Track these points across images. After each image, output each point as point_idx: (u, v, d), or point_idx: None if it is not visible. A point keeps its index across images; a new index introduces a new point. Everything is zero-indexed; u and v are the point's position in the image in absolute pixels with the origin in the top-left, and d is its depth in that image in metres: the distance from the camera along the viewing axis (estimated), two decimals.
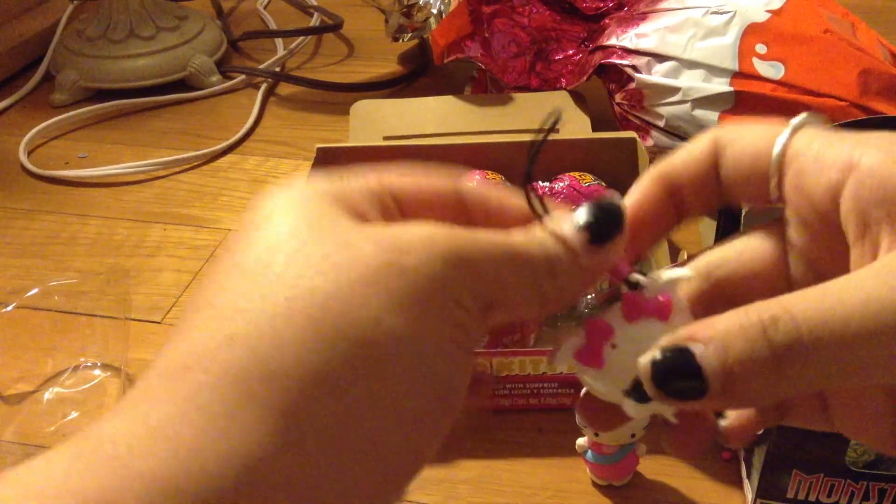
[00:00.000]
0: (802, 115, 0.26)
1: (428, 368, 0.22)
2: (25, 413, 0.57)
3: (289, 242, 0.22)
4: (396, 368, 0.21)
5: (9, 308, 0.61)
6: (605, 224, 0.24)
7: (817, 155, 0.25)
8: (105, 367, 0.60)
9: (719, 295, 0.27)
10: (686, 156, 0.27)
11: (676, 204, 0.27)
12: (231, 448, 0.19)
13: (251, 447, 0.20)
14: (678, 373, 0.22)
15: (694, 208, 0.27)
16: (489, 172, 0.61)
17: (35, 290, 0.62)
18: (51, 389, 0.59)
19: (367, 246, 0.22)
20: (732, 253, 0.28)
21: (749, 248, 0.28)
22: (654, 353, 0.22)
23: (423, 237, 0.22)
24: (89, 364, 0.61)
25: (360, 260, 0.21)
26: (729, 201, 0.27)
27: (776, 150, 0.25)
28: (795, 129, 0.26)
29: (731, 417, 0.28)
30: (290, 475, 0.20)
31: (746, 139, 0.26)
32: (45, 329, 0.62)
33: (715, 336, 0.22)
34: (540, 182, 0.60)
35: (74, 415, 0.57)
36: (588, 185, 0.60)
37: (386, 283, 0.21)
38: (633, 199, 0.27)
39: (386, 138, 0.71)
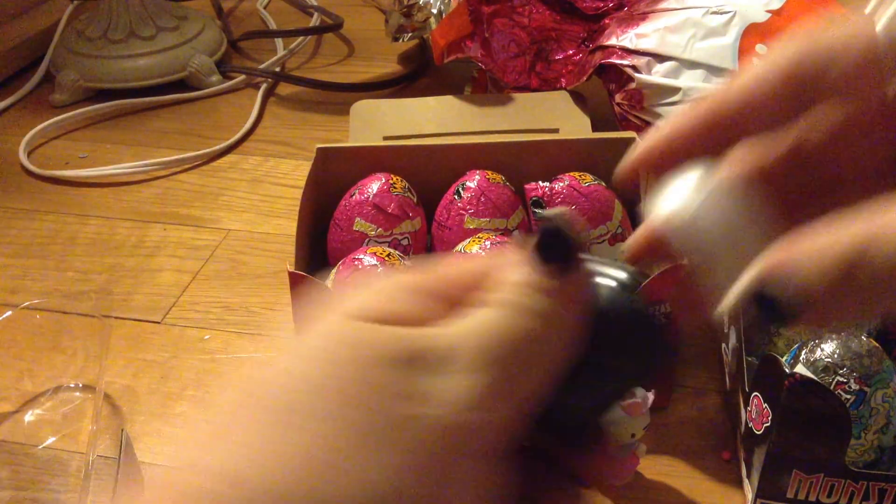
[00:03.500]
0: None
1: None
2: (7, 433, 0.57)
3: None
4: None
5: None
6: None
7: None
8: (86, 388, 0.60)
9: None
10: (753, 76, 0.23)
11: (728, 134, 0.24)
12: None
13: None
14: (771, 301, 0.21)
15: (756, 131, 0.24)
16: (489, 172, 0.61)
17: (8, 313, 0.62)
18: (31, 411, 0.58)
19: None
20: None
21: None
22: (746, 280, 0.21)
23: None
24: (71, 385, 0.60)
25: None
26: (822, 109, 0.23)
27: (882, 29, 0.22)
28: None
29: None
30: None
31: (832, 34, 0.22)
32: (26, 347, 0.61)
33: (805, 266, 0.21)
34: (540, 182, 0.60)
35: (52, 440, 0.57)
36: (588, 185, 0.60)
37: None
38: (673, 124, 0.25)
39: (386, 138, 0.70)
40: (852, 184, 0.24)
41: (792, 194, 0.24)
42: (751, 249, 0.22)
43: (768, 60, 0.23)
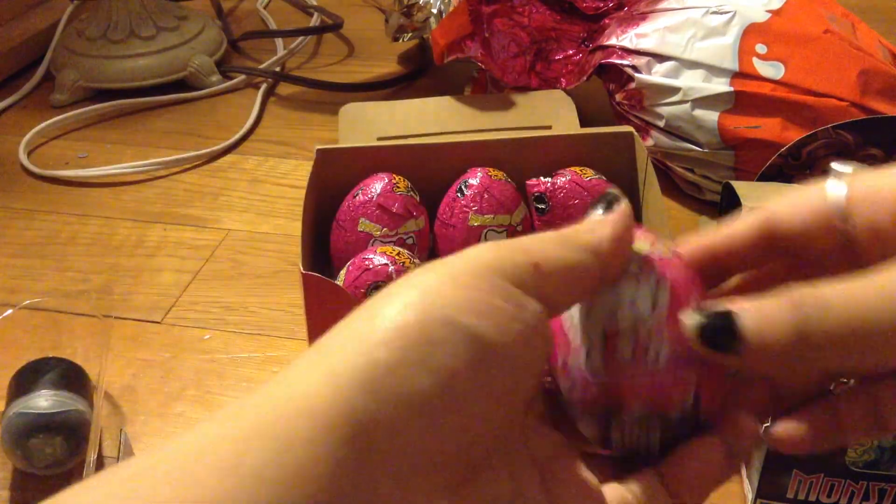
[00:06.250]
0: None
1: None
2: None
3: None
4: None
5: None
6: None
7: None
8: None
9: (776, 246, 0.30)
10: (734, 229, 0.30)
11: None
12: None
13: None
14: (719, 330, 0.26)
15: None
16: (491, 169, 0.61)
17: (9, 312, 0.61)
18: None
19: None
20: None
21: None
22: (699, 315, 0.26)
23: None
24: None
25: None
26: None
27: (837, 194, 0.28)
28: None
29: (781, 427, 0.30)
30: None
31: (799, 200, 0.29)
32: (26, 347, 0.61)
33: (755, 306, 0.26)
34: (542, 178, 0.61)
35: None
36: (589, 180, 0.60)
37: None
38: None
39: (380, 139, 0.70)
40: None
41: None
42: None
43: (741, 221, 0.30)
